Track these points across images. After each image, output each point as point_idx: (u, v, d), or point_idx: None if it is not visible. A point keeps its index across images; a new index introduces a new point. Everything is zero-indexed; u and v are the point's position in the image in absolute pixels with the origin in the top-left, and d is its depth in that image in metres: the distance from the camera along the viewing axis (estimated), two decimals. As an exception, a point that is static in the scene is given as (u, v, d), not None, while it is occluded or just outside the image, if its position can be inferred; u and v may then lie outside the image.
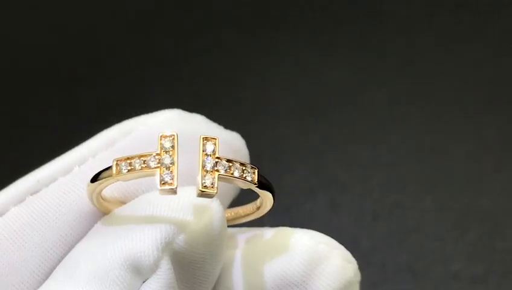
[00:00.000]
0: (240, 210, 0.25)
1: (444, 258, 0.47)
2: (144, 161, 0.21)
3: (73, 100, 0.56)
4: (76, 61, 0.58)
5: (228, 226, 0.24)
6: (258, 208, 0.24)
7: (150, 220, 0.22)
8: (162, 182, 0.21)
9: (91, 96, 0.56)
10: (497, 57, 0.57)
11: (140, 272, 0.21)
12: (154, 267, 0.21)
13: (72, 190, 0.23)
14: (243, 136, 0.26)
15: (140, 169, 0.21)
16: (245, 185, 0.22)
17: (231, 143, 0.25)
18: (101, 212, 0.24)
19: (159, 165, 0.21)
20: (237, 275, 0.24)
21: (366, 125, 0.53)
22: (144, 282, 0.21)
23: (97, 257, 0.22)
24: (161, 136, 0.21)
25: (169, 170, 0.21)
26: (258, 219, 0.25)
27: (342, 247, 0.24)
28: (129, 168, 0.21)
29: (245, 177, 0.22)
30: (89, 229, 0.23)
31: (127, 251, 0.21)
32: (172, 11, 0.60)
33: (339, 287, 0.23)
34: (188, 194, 0.22)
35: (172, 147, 0.21)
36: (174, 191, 0.21)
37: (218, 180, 0.21)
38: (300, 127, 0.53)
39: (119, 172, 0.21)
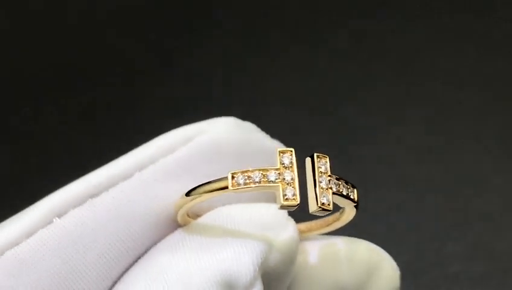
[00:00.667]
0: (311, 225, 0.25)
1: (444, 259, 0.47)
2: (264, 174, 0.21)
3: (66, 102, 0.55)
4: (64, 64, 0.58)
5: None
6: (334, 221, 0.25)
7: (239, 235, 0.22)
8: (286, 197, 0.21)
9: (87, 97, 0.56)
10: (497, 57, 0.57)
11: (233, 289, 0.21)
12: (249, 286, 0.21)
13: (136, 196, 0.23)
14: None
15: (260, 182, 0.21)
16: (348, 204, 0.23)
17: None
18: (172, 222, 0.23)
19: (280, 180, 0.21)
20: (304, 283, 0.24)
21: (366, 125, 0.53)
22: None
23: (190, 270, 0.21)
24: (279, 151, 0.22)
25: (291, 186, 0.21)
26: None
27: (389, 256, 0.26)
28: (247, 181, 0.21)
29: (350, 197, 0.23)
30: (154, 239, 0.23)
31: (223, 268, 0.21)
32: (164, 9, 0.60)
33: None
34: (269, 212, 0.23)
35: (291, 163, 0.22)
36: (295, 206, 0.21)
37: (332, 198, 0.22)
38: (298, 126, 0.53)
39: (236, 185, 0.21)
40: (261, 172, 0.21)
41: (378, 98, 0.55)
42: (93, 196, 0.23)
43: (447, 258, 0.47)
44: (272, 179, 0.21)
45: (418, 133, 0.53)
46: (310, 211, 0.22)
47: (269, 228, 0.22)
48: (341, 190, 0.22)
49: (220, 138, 0.24)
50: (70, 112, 0.55)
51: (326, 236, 0.25)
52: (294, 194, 0.21)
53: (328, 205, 0.22)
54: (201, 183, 0.22)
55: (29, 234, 0.22)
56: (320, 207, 0.21)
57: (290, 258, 0.23)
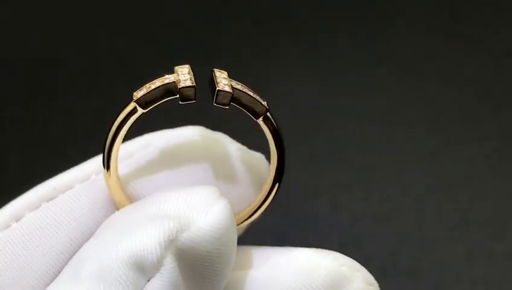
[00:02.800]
0: (248, 208, 0.24)
1: (445, 260, 0.47)
2: (162, 80, 0.22)
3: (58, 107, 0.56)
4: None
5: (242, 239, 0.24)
6: (269, 192, 0.24)
7: (155, 217, 0.22)
8: (181, 87, 0.22)
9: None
10: (498, 60, 0.57)
11: (144, 270, 0.21)
12: (158, 265, 0.21)
13: (85, 194, 0.23)
14: (243, 139, 0.26)
15: (160, 86, 0.22)
16: (259, 107, 0.22)
17: (253, 164, 0.25)
18: (116, 205, 0.24)
19: (177, 79, 0.22)
20: None
21: (368, 128, 0.54)
22: (148, 281, 0.21)
23: (100, 255, 0.21)
24: (177, 68, 0.22)
25: (187, 80, 0.22)
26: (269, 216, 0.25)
27: (364, 269, 0.24)
28: (148, 90, 0.22)
29: (258, 99, 0.22)
30: None
31: (130, 249, 0.21)
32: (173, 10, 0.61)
33: None
34: (195, 192, 0.22)
35: (189, 71, 0.22)
36: (193, 89, 0.22)
37: (233, 89, 0.22)
38: (302, 130, 0.53)
39: (138, 97, 0.22)
40: (160, 79, 0.22)
41: (380, 101, 0.55)
42: (49, 199, 0.24)
43: (448, 259, 0.47)
44: (168, 80, 0.22)
45: (419, 136, 0.53)
46: (214, 102, 0.22)
47: (195, 207, 0.22)
48: (245, 90, 0.22)
49: (176, 145, 0.24)
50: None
51: (289, 248, 0.24)
52: (191, 81, 0.22)
53: (229, 90, 0.22)
54: (162, 174, 0.23)
55: None
56: (220, 90, 0.22)
57: (214, 237, 0.22)
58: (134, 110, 0.22)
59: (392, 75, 0.57)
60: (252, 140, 0.26)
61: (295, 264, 0.23)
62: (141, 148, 0.24)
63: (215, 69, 0.23)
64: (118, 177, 0.23)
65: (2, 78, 0.57)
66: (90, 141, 0.51)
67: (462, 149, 0.52)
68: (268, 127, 0.23)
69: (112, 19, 0.61)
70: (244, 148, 0.25)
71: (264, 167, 0.25)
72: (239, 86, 0.22)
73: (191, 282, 0.22)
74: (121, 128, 0.22)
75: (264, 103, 0.23)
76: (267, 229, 0.25)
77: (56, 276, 0.23)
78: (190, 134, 0.25)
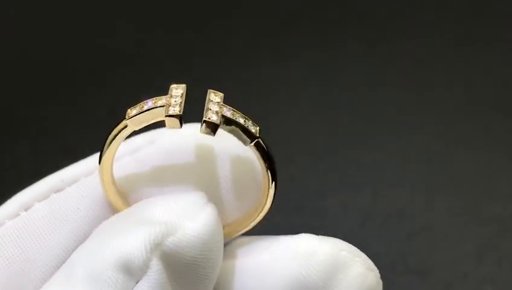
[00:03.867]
0: (241, 219, 0.25)
1: (453, 259, 0.47)
2: (154, 102, 0.22)
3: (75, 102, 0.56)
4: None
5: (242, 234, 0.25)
6: (266, 197, 0.24)
7: (142, 222, 0.22)
8: (169, 113, 0.22)
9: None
10: (508, 59, 0.57)
11: (131, 273, 0.21)
12: (145, 267, 0.21)
13: (93, 190, 0.24)
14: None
15: (150, 109, 0.22)
16: (246, 137, 0.22)
17: (253, 162, 0.25)
18: (112, 206, 0.24)
19: (167, 104, 0.22)
20: (253, 280, 0.24)
21: (377, 128, 0.54)
22: (137, 283, 0.22)
23: (90, 259, 0.22)
24: (171, 87, 0.22)
25: (176, 103, 0.22)
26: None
27: (363, 255, 0.24)
28: (140, 111, 0.22)
29: (247, 127, 0.22)
30: None
31: (118, 252, 0.21)
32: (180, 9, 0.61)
33: None
34: (184, 198, 0.23)
35: (182, 93, 0.22)
36: (178, 120, 0.22)
37: (221, 119, 0.22)
38: (311, 128, 0.54)
39: (130, 117, 0.22)
40: (153, 100, 0.22)
41: (390, 100, 0.55)
42: (57, 191, 0.24)
43: (457, 258, 0.47)
44: (161, 104, 0.22)
45: (429, 136, 0.53)
46: (200, 131, 0.22)
47: (181, 213, 0.22)
48: (236, 118, 0.22)
49: (180, 142, 0.24)
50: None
51: (284, 236, 0.24)
52: (178, 110, 0.22)
53: (216, 120, 0.22)
54: (155, 181, 0.24)
55: None
56: (206, 120, 0.22)
57: (198, 243, 0.22)
58: (126, 127, 0.23)
59: (401, 74, 0.57)
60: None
61: (295, 249, 0.24)
62: (147, 144, 0.25)
63: (210, 91, 0.23)
64: (113, 182, 0.24)
65: (14, 75, 0.58)
66: (97, 136, 0.52)
67: (471, 148, 0.52)
68: (259, 153, 0.23)
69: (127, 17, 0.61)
70: (246, 147, 0.26)
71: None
72: (229, 113, 0.22)
73: (179, 286, 0.23)
74: (114, 142, 0.23)
75: (254, 130, 0.23)
76: (276, 226, 0.25)
77: (55, 271, 0.23)
78: (191, 130, 0.25)
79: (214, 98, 0.23)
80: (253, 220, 0.25)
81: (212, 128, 0.22)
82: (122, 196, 0.24)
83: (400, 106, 0.55)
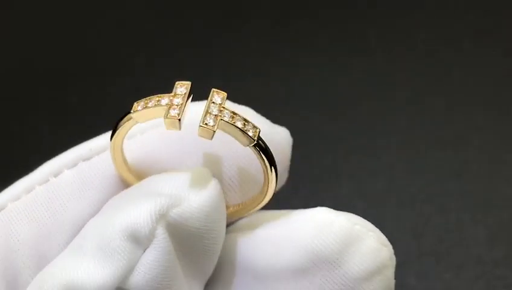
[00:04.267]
0: (247, 202, 0.25)
1: (467, 242, 0.48)
2: (158, 100, 0.23)
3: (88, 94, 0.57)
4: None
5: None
6: (266, 192, 0.24)
7: (149, 195, 0.23)
8: (168, 115, 0.22)
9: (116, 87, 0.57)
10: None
11: (139, 241, 0.23)
12: (151, 236, 0.23)
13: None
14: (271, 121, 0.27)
15: (153, 106, 0.23)
16: (245, 140, 0.23)
17: (272, 137, 0.26)
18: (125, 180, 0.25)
19: (169, 104, 0.23)
20: (269, 250, 0.25)
21: (391, 115, 0.54)
22: (144, 251, 0.23)
23: (100, 230, 0.23)
24: (177, 83, 0.23)
25: (177, 107, 0.22)
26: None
27: (377, 230, 0.24)
28: (144, 106, 0.23)
29: (246, 131, 0.23)
30: None
31: (125, 222, 0.23)
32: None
33: (372, 268, 0.24)
34: (190, 173, 0.24)
35: (185, 92, 0.23)
36: (178, 123, 0.22)
37: (219, 123, 0.22)
38: (328, 115, 0.54)
39: (136, 110, 0.23)
40: (157, 98, 0.23)
41: (404, 88, 0.55)
42: (85, 159, 0.25)
43: (470, 241, 0.48)
44: (163, 103, 0.23)
45: (440, 121, 0.53)
46: (197, 134, 0.22)
47: (186, 187, 0.23)
48: (234, 121, 0.23)
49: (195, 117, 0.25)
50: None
51: (302, 209, 0.25)
52: (177, 114, 0.22)
53: (213, 126, 0.22)
54: (175, 157, 0.24)
55: (29, 190, 0.25)
56: (202, 126, 0.22)
57: (201, 215, 0.23)
58: (131, 119, 0.23)
59: (414, 63, 0.57)
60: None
61: (311, 221, 0.24)
62: None
63: (213, 91, 0.23)
64: (124, 162, 0.25)
65: (36, 62, 0.58)
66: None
67: (484, 134, 0.53)
68: (257, 154, 0.23)
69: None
70: (268, 121, 0.26)
71: (286, 143, 0.26)
72: (227, 117, 0.23)
73: (184, 256, 0.24)
74: (121, 130, 0.24)
75: (252, 134, 0.23)
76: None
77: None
78: None
79: (216, 99, 0.23)
80: (255, 206, 0.25)
81: (209, 133, 0.22)
82: (134, 173, 0.25)
83: (414, 94, 0.55)
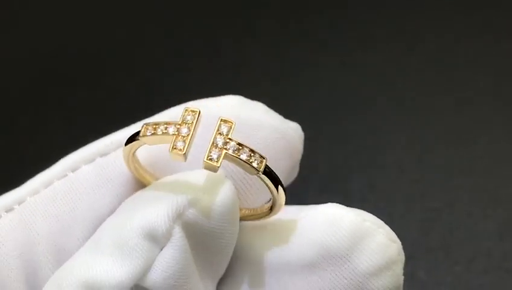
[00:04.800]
0: (258, 209, 0.26)
1: (476, 236, 0.48)
2: (166, 127, 0.23)
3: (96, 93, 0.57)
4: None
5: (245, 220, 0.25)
6: (271, 209, 0.25)
7: (166, 195, 0.23)
8: (173, 147, 0.22)
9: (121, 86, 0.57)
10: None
11: (156, 240, 0.23)
12: (168, 235, 0.23)
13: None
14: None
15: (161, 134, 0.23)
16: (250, 171, 0.23)
17: (285, 132, 0.26)
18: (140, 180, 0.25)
19: (176, 133, 0.23)
20: (280, 244, 0.25)
21: (401, 111, 0.54)
22: (161, 250, 0.23)
23: (118, 228, 0.23)
24: (185, 110, 0.23)
25: (183, 138, 0.23)
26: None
27: (387, 226, 0.24)
28: (153, 132, 0.23)
29: (251, 163, 0.23)
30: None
31: (143, 221, 0.23)
32: None
33: (381, 263, 0.24)
34: (204, 173, 0.24)
35: (193, 120, 0.23)
36: (182, 157, 0.22)
37: (223, 157, 0.22)
38: (337, 111, 0.54)
39: (144, 134, 0.23)
40: (165, 125, 0.23)
41: (414, 85, 0.56)
42: (102, 154, 0.26)
43: (480, 235, 0.48)
44: (170, 131, 0.23)
45: (449, 118, 0.54)
46: (202, 167, 0.23)
47: (201, 189, 0.24)
48: (239, 154, 0.23)
49: (218, 112, 0.25)
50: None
51: (313, 205, 0.25)
52: (183, 147, 0.22)
53: (217, 161, 0.22)
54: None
55: (47, 185, 0.25)
56: (206, 161, 0.22)
57: (216, 214, 0.24)
58: (140, 141, 0.24)
59: (423, 61, 0.57)
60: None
61: (322, 216, 0.24)
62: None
63: (220, 119, 0.23)
64: (138, 168, 0.25)
65: (47, 61, 0.58)
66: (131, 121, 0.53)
67: (492, 130, 0.53)
68: (264, 182, 0.23)
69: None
70: (280, 117, 0.26)
71: (298, 137, 0.27)
72: (232, 150, 0.23)
73: (198, 255, 0.24)
74: (129, 148, 0.24)
75: (257, 166, 0.23)
76: (303, 204, 0.26)
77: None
78: (230, 102, 0.26)
79: (223, 129, 0.23)
80: (264, 216, 0.25)
81: (213, 168, 0.23)
82: (149, 173, 0.26)
83: (422, 90, 0.55)
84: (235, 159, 0.23)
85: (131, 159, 0.25)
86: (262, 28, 0.60)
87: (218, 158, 0.22)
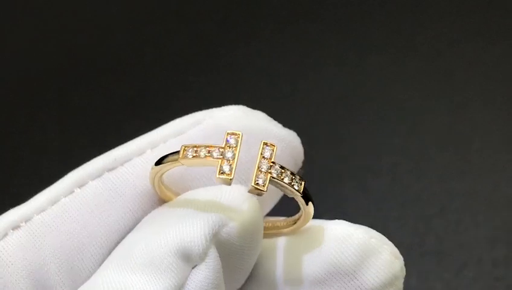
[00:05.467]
0: (278, 223, 0.26)
1: (468, 242, 0.48)
2: (209, 150, 0.23)
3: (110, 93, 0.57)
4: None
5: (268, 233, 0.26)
6: (295, 222, 0.25)
7: (197, 212, 0.23)
8: (221, 172, 0.23)
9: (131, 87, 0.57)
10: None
11: (190, 259, 0.23)
12: (203, 255, 0.23)
13: (147, 170, 0.25)
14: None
15: (204, 157, 0.23)
16: (291, 193, 0.23)
17: (289, 140, 0.26)
18: (160, 197, 0.25)
19: (221, 157, 0.23)
20: (289, 260, 0.25)
21: (395, 115, 0.54)
22: (193, 268, 0.23)
23: (151, 245, 0.23)
24: (227, 133, 0.23)
25: (229, 162, 0.23)
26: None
27: (391, 243, 0.25)
28: (194, 154, 0.23)
29: (293, 186, 0.23)
30: (149, 211, 0.25)
31: (178, 240, 0.23)
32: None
33: (386, 279, 0.24)
34: (235, 191, 0.24)
35: (236, 144, 0.23)
36: (229, 181, 0.23)
37: (269, 181, 0.23)
38: (331, 115, 0.54)
39: (184, 157, 0.23)
40: (208, 148, 0.23)
41: (407, 88, 0.56)
42: (110, 169, 0.25)
43: (472, 241, 0.48)
44: (215, 155, 0.23)
45: (443, 122, 0.54)
46: (247, 191, 0.23)
47: (228, 205, 0.24)
48: (282, 178, 0.23)
49: (225, 123, 0.25)
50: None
51: (321, 220, 0.26)
52: (230, 170, 0.23)
53: (263, 186, 0.23)
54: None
55: (54, 202, 0.25)
56: (253, 186, 0.23)
57: (247, 233, 0.24)
58: (178, 163, 0.23)
59: (420, 64, 0.57)
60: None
61: (331, 233, 0.25)
62: (192, 125, 0.26)
63: (263, 143, 0.23)
64: (161, 185, 0.25)
65: (43, 66, 0.58)
66: (127, 125, 0.52)
67: (487, 135, 0.53)
68: (300, 203, 0.24)
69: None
70: (279, 125, 0.27)
71: (298, 143, 0.27)
72: (276, 174, 0.23)
73: (224, 273, 0.24)
74: (164, 167, 0.24)
75: (298, 188, 0.23)
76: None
77: (112, 247, 0.25)
78: (234, 112, 0.26)
79: (266, 153, 0.23)
80: (285, 232, 0.26)
81: (259, 193, 0.23)
82: (170, 190, 0.25)
83: (417, 94, 0.55)
84: (278, 183, 0.23)
85: (159, 177, 0.24)
86: (261, 29, 0.60)
87: (264, 183, 0.23)
